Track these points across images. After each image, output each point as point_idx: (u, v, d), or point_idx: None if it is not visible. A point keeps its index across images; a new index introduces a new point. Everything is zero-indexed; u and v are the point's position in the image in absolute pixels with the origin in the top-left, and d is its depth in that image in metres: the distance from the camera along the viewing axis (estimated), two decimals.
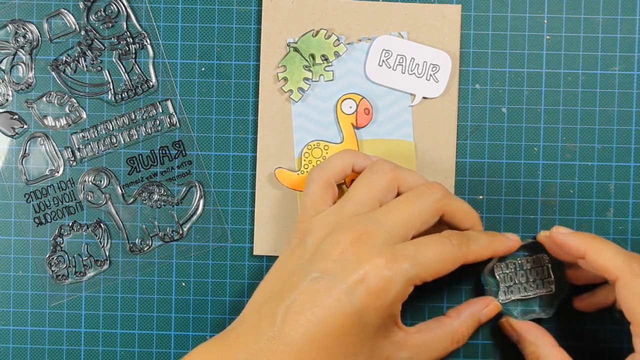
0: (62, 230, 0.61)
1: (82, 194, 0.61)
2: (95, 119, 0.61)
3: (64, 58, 0.60)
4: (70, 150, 0.61)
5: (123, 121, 0.61)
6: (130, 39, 0.60)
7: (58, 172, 0.61)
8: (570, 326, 0.60)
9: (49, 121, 0.61)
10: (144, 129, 0.61)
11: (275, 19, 0.60)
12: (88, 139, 0.61)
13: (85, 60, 0.60)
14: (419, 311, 0.60)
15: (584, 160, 0.60)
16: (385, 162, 0.55)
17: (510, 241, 0.56)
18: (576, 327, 0.60)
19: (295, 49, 0.60)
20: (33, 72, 0.61)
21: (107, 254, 0.61)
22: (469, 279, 0.60)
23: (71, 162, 0.61)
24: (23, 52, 0.60)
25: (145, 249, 0.61)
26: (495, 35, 0.60)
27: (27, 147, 0.61)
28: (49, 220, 0.61)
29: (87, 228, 0.61)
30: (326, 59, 0.60)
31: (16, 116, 0.61)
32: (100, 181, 0.61)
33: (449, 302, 0.60)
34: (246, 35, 0.60)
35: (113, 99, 0.61)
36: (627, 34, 0.60)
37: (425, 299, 0.60)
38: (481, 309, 0.57)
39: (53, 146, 0.61)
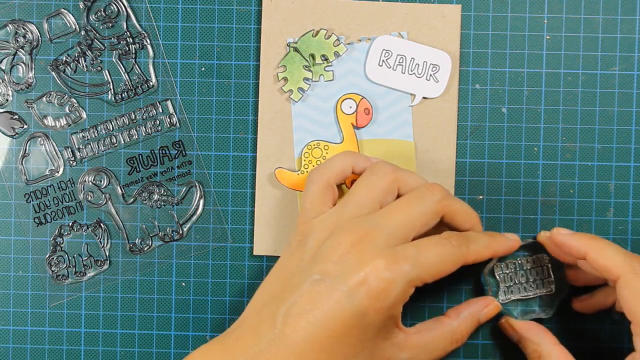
0: (62, 230, 0.61)
1: (82, 194, 0.61)
2: (95, 119, 0.61)
3: (64, 58, 0.60)
4: (70, 150, 0.61)
5: (123, 121, 0.61)
6: (130, 39, 0.60)
7: (58, 172, 0.61)
8: (570, 326, 0.60)
9: (49, 121, 0.61)
10: (144, 129, 0.61)
11: (275, 19, 0.60)
12: (88, 139, 0.61)
13: (85, 60, 0.60)
14: (419, 311, 0.60)
15: (584, 160, 0.60)
16: (385, 164, 0.55)
17: (510, 241, 0.56)
18: (576, 327, 0.60)
19: (295, 49, 0.60)
20: (33, 72, 0.60)
21: (107, 254, 0.61)
22: (469, 279, 0.60)
23: (71, 162, 0.61)
24: (23, 52, 0.60)
25: (145, 249, 0.61)
26: (495, 35, 0.60)
27: (27, 147, 0.61)
28: (49, 220, 0.61)
29: (87, 228, 0.61)
30: (326, 59, 0.60)
31: (16, 116, 0.61)
32: (100, 181, 0.61)
33: (449, 302, 0.60)
34: (246, 35, 0.60)
35: (113, 99, 0.61)
36: (627, 34, 0.60)
37: (425, 299, 0.60)
38: (481, 309, 0.57)
39: (53, 146, 0.61)
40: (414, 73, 0.60)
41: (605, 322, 0.60)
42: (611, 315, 0.59)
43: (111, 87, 0.60)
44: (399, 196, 0.54)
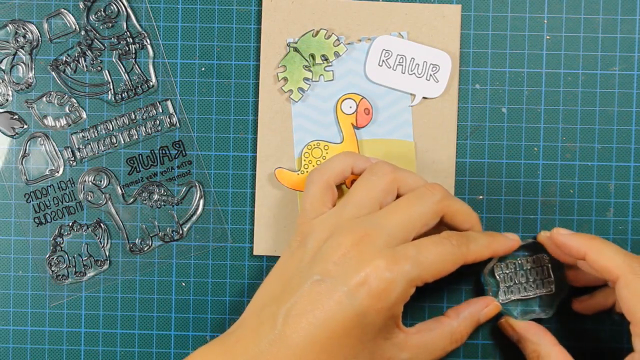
0: (62, 230, 0.61)
1: (82, 194, 0.61)
2: (95, 119, 0.61)
3: (64, 58, 0.60)
4: (70, 150, 0.61)
5: (123, 121, 0.60)
6: (130, 39, 0.60)
7: (58, 172, 0.61)
8: (570, 326, 0.60)
9: (49, 121, 0.61)
10: (144, 129, 0.61)
11: (275, 19, 0.60)
12: (88, 139, 0.61)
13: (85, 60, 0.60)
14: (419, 311, 0.60)
15: (584, 160, 0.60)
16: (385, 164, 0.55)
17: (510, 241, 0.56)
18: (576, 327, 0.60)
19: (295, 49, 0.60)
20: (33, 72, 0.60)
21: (107, 254, 0.61)
22: (469, 279, 0.60)
23: (71, 162, 0.61)
24: (23, 52, 0.60)
25: (145, 249, 0.61)
26: (495, 35, 0.60)
27: (27, 147, 0.61)
28: (49, 220, 0.61)
29: (87, 228, 0.61)
30: (326, 59, 0.60)
31: (16, 116, 0.61)
32: (100, 181, 0.61)
33: (449, 302, 0.60)
34: (246, 35, 0.60)
35: (113, 99, 0.61)
36: (627, 34, 0.60)
37: (425, 299, 0.60)
38: (480, 309, 0.57)
39: (53, 146, 0.61)
40: (414, 73, 0.60)
41: (605, 322, 0.60)
42: (611, 316, 0.59)
43: (111, 87, 0.60)
44: (398, 196, 0.54)
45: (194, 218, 0.61)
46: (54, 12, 0.60)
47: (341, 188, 0.58)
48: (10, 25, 0.60)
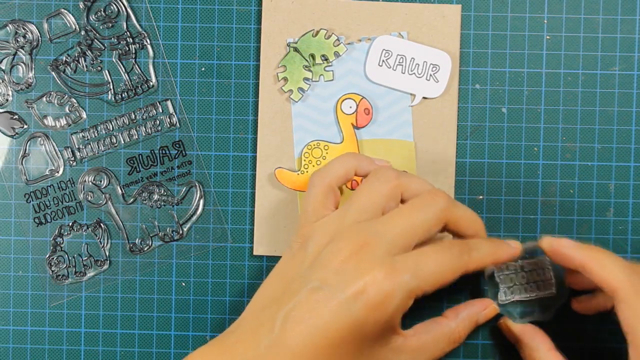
0: (62, 230, 0.61)
1: (82, 194, 0.61)
2: (95, 119, 0.61)
3: (64, 58, 0.60)
4: (70, 150, 0.61)
5: (123, 121, 0.61)
6: (130, 39, 0.60)
7: (58, 172, 0.61)
8: (570, 327, 0.60)
9: (49, 121, 0.61)
10: (144, 129, 0.61)
11: (275, 19, 0.60)
12: (88, 139, 0.61)
13: (85, 60, 0.60)
14: (418, 311, 0.60)
15: (584, 160, 0.60)
16: (389, 170, 0.54)
17: (512, 249, 0.55)
18: (576, 328, 0.60)
19: (295, 49, 0.60)
20: (33, 72, 0.60)
21: (107, 254, 0.61)
22: (468, 279, 0.60)
23: (71, 162, 0.61)
24: (23, 52, 0.60)
25: (145, 249, 0.61)
26: (495, 35, 0.60)
27: (27, 147, 0.61)
28: (49, 220, 0.61)
29: (87, 228, 0.61)
30: (326, 59, 0.60)
31: (16, 116, 0.61)
32: (100, 181, 0.61)
33: (449, 303, 0.60)
34: (246, 35, 0.60)
35: (113, 99, 0.61)
36: (627, 34, 0.60)
37: (424, 299, 0.60)
38: (479, 311, 0.57)
39: (53, 146, 0.61)
40: (414, 73, 0.60)
41: (605, 322, 0.59)
42: (611, 317, 0.59)
43: (111, 87, 0.60)
44: (403, 201, 0.54)
45: (194, 218, 0.61)
46: (54, 12, 0.60)
47: (342, 188, 0.57)
48: (10, 25, 0.60)
